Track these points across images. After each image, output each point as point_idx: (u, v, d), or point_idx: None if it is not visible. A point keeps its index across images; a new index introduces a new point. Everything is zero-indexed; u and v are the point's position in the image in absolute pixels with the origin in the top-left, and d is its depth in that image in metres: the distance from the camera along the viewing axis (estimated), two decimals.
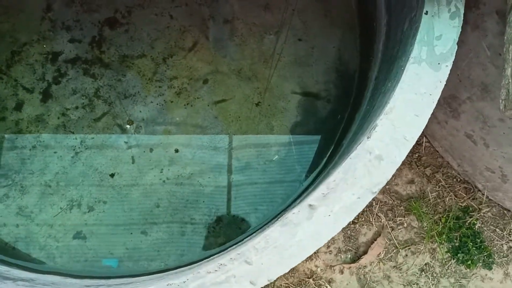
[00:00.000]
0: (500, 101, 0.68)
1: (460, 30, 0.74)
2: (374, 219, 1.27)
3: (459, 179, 1.28)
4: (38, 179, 1.10)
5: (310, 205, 0.67)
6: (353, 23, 1.22)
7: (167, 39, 1.20)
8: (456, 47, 0.73)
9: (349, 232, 1.25)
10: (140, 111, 1.16)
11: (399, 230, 1.26)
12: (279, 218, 0.82)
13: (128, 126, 1.14)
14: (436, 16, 0.74)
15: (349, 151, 0.78)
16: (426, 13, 0.74)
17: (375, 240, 1.24)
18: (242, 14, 1.22)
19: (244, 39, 1.21)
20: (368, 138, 0.69)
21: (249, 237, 0.69)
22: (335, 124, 1.17)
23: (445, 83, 0.72)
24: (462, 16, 0.75)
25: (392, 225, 1.27)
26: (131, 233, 1.10)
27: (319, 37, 1.22)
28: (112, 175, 1.12)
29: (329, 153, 1.14)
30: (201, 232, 1.12)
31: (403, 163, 1.28)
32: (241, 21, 1.22)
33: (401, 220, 1.27)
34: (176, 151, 1.15)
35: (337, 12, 1.23)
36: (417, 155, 1.30)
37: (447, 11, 0.74)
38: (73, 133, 1.14)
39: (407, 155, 1.28)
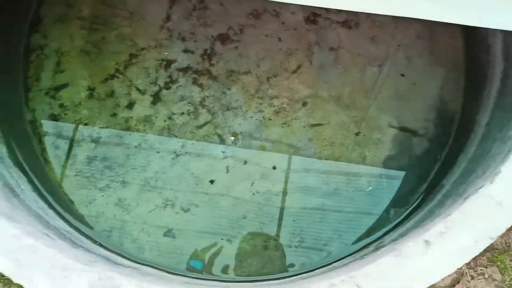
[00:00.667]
0: None
1: None
2: None
3: None
4: (139, 175, 1.17)
5: (426, 241, 0.68)
6: (459, 64, 1.22)
7: (273, 60, 1.25)
8: None
9: None
10: (240, 124, 1.22)
11: (479, 280, 1.23)
12: (379, 248, 0.84)
13: (232, 138, 1.19)
14: None
15: (461, 193, 0.78)
16: None
17: (454, 286, 1.22)
18: (347, 43, 1.26)
19: (346, 68, 1.25)
20: (491, 183, 0.70)
21: (362, 265, 0.71)
22: (430, 163, 1.17)
23: None
24: None
25: (472, 273, 1.24)
26: (217, 239, 1.15)
27: (422, 74, 1.23)
28: (207, 182, 1.17)
29: (422, 191, 1.14)
30: (284, 249, 1.15)
31: None
32: (346, 50, 1.26)
33: (482, 270, 1.24)
34: (269, 167, 1.19)
35: (442, 51, 1.24)
36: None
37: None
38: (176, 136, 1.20)
39: None
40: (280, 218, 1.17)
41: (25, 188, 0.96)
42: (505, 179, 0.70)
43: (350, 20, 1.27)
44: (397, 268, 0.67)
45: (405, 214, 1.11)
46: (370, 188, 1.16)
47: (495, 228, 0.68)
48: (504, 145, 0.77)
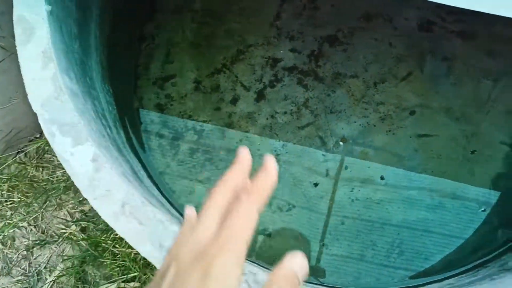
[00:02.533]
0: None
1: None
2: None
3: None
4: None
5: None
6: None
7: (382, 65, 1.23)
8: None
9: None
10: (342, 128, 1.20)
11: None
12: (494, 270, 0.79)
13: (341, 143, 1.17)
14: None
15: None
16: None
17: None
18: (463, 55, 1.21)
19: (460, 79, 1.20)
20: None
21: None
22: None
23: None
24: None
25: None
26: (313, 242, 1.13)
27: None
28: (306, 183, 1.16)
29: None
30: (381, 260, 1.11)
31: None
32: (460, 62, 1.21)
33: None
34: (370, 174, 1.16)
35: None
36: None
37: None
38: (277, 135, 1.19)
39: None
40: (380, 228, 1.13)
41: (143, 174, 0.97)
42: None
43: (468, 30, 1.22)
44: None
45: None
46: (483, 209, 1.11)
47: None
48: None
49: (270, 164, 0.43)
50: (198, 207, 1.10)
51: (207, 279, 0.34)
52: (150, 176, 1.04)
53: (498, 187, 1.13)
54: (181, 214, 1.04)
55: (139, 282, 1.25)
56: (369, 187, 1.16)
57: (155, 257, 0.67)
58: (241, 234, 0.37)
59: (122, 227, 0.67)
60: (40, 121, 0.74)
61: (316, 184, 1.16)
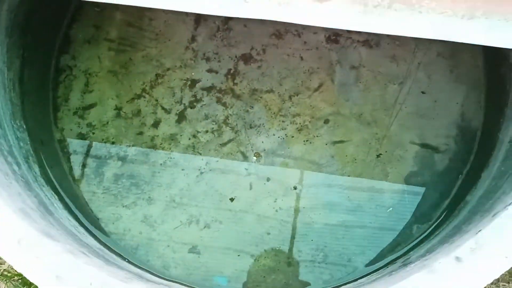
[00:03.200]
0: None
1: None
2: None
3: None
4: (165, 192, 1.20)
5: (457, 258, 0.69)
6: (480, 82, 1.24)
7: (295, 78, 1.28)
8: None
9: None
10: (262, 142, 1.24)
11: None
12: (408, 264, 0.85)
13: (254, 157, 1.21)
14: None
15: (489, 209, 0.79)
16: None
17: None
18: (369, 62, 1.28)
19: (368, 86, 1.27)
20: None
21: (396, 283, 0.72)
22: (452, 179, 1.18)
23: None
24: None
25: None
26: (241, 256, 1.16)
27: (443, 91, 1.25)
28: (231, 199, 1.19)
29: (444, 207, 1.15)
30: (307, 266, 1.16)
31: None
32: (367, 69, 1.28)
33: (504, 285, 1.24)
34: (291, 184, 1.21)
35: (463, 69, 1.26)
36: None
37: None
38: (200, 154, 1.23)
39: None
40: (304, 234, 1.18)
41: (57, 206, 0.99)
42: None
43: (371, 39, 1.29)
44: (430, 284, 0.68)
45: (429, 230, 1.12)
46: (391, 209, 1.17)
47: None
48: None
49: None
50: (125, 234, 1.11)
51: None
52: (68, 207, 1.05)
53: (411, 185, 1.20)
54: (101, 242, 1.06)
55: None
56: (291, 196, 1.20)
57: None
58: None
59: (20, 263, 0.69)
60: None
61: (240, 198, 1.20)
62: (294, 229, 1.18)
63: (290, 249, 1.17)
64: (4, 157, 0.87)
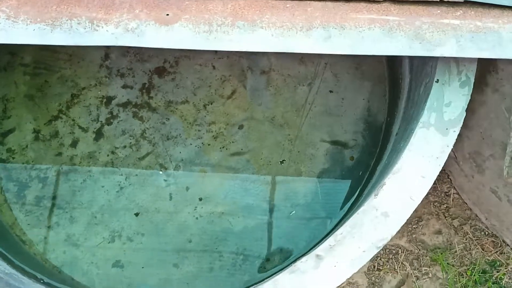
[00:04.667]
0: (504, 167, 0.72)
1: (469, 97, 0.79)
2: (399, 267, 1.29)
3: (487, 233, 1.28)
4: (86, 210, 1.23)
5: (317, 255, 0.73)
6: (383, 77, 1.28)
7: (209, 87, 1.31)
8: (465, 114, 0.78)
9: (373, 278, 1.28)
10: (180, 152, 1.27)
11: (424, 280, 1.28)
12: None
13: (175, 165, 1.25)
14: (447, 84, 0.80)
15: (359, 205, 0.83)
16: (437, 81, 0.80)
17: None
18: (278, 66, 1.32)
19: (278, 89, 1.30)
20: (375, 196, 0.75)
21: (260, 283, 0.76)
22: (360, 173, 1.22)
23: (452, 147, 0.76)
24: (472, 84, 0.80)
25: (417, 274, 1.28)
26: (164, 265, 1.20)
27: (350, 89, 1.29)
28: (152, 210, 1.23)
29: (352, 201, 1.19)
30: (228, 269, 1.19)
31: (431, 213, 1.31)
32: (277, 73, 1.32)
33: (426, 270, 1.29)
34: (210, 190, 1.24)
35: (367, 66, 1.30)
36: (445, 206, 1.32)
37: (457, 80, 0.80)
38: (119, 169, 1.26)
39: (435, 205, 1.30)
40: (224, 239, 1.21)
41: None
42: (387, 191, 0.75)
43: None
44: (292, 283, 0.72)
45: (335, 223, 1.16)
46: (293, 212, 1.21)
47: (381, 238, 0.73)
48: (396, 156, 0.82)
49: None
50: (49, 254, 1.13)
51: None
52: None
53: (323, 182, 1.24)
54: (14, 266, 1.08)
55: None
56: (211, 203, 1.24)
57: None
58: None
59: None
60: None
61: (161, 209, 1.23)
62: (214, 234, 1.22)
63: (211, 254, 1.20)
64: None
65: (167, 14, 0.73)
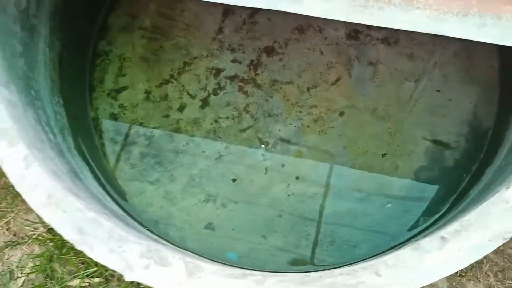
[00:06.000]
0: None
1: None
2: (483, 276, 1.27)
3: None
4: (186, 171, 1.29)
5: (442, 237, 0.74)
6: (494, 83, 1.27)
7: (314, 72, 1.34)
8: None
9: (454, 283, 1.27)
10: (279, 130, 1.31)
11: None
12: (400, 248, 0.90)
13: (274, 142, 1.29)
14: None
15: (482, 199, 0.84)
16: None
17: None
18: (386, 59, 1.33)
19: (384, 82, 1.32)
20: (507, 189, 0.75)
21: (380, 254, 0.78)
22: (460, 174, 1.22)
23: None
24: None
25: (500, 286, 1.26)
26: (253, 235, 1.24)
27: (457, 91, 1.29)
28: (247, 181, 1.27)
29: (450, 202, 1.19)
30: (314, 249, 1.22)
31: None
32: (384, 66, 1.33)
33: (510, 283, 1.26)
34: (304, 171, 1.27)
35: (478, 69, 1.29)
36: None
37: None
38: (220, 138, 1.31)
39: None
40: (313, 220, 1.24)
41: (87, 175, 1.09)
42: None
43: (390, 37, 1.34)
44: (414, 258, 0.74)
45: (430, 222, 1.16)
46: (389, 205, 1.22)
47: (508, 230, 0.73)
48: None
49: None
50: (147, 207, 1.20)
51: None
52: (96, 177, 1.16)
53: (420, 179, 1.24)
54: (124, 210, 1.15)
55: (103, 278, 1.36)
56: (304, 183, 1.27)
57: (75, 240, 0.78)
58: None
59: (48, 215, 0.79)
60: None
61: (256, 182, 1.27)
62: (304, 214, 1.25)
63: (299, 232, 1.23)
64: (42, 126, 0.97)
65: None
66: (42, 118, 1.00)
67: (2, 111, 0.84)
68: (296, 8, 0.77)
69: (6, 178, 1.49)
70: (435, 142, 1.26)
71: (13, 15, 1.00)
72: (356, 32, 1.36)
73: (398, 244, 1.16)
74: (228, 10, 1.41)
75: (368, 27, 1.36)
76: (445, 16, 0.74)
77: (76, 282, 1.36)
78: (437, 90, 1.29)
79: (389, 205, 1.22)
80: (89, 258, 1.35)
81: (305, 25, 1.37)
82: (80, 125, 1.25)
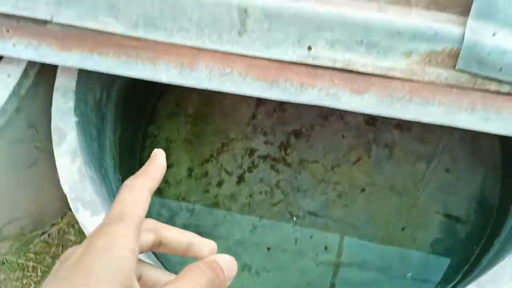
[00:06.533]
0: None
1: None
2: None
3: None
4: (224, 241, 1.42)
5: None
6: (497, 165, 1.44)
7: (337, 152, 1.53)
8: None
9: None
10: (307, 204, 1.47)
11: None
12: None
13: (302, 215, 1.44)
14: None
15: (493, 264, 0.98)
16: None
17: None
18: (400, 142, 1.52)
19: (399, 162, 1.49)
20: None
21: None
22: (471, 246, 1.35)
23: None
24: None
25: None
26: None
27: (465, 171, 1.46)
28: (278, 250, 1.40)
29: (464, 270, 1.31)
30: None
31: None
32: (399, 148, 1.51)
33: None
34: (331, 241, 1.41)
35: (483, 153, 1.47)
36: None
37: None
38: (255, 211, 1.46)
39: None
40: (341, 286, 1.36)
41: None
42: None
43: (403, 124, 1.54)
44: None
45: None
46: (410, 275, 1.34)
47: None
48: None
49: (157, 153, 0.46)
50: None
51: (90, 246, 0.32)
52: None
53: (435, 250, 1.37)
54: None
55: None
56: (331, 253, 1.40)
57: None
58: (131, 208, 0.36)
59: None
60: (68, 199, 1.03)
61: (287, 251, 1.41)
62: (332, 282, 1.36)
63: None
64: (111, 200, 1.14)
65: (359, 86, 0.96)
66: (111, 192, 1.16)
67: (88, 186, 1.01)
68: (337, 104, 0.97)
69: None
70: (448, 216, 1.41)
71: (91, 105, 1.21)
72: (373, 119, 1.56)
73: None
74: (261, 100, 1.63)
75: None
76: (456, 111, 0.93)
77: None
78: (447, 170, 1.47)
79: (409, 274, 1.34)
80: None
81: (328, 112, 1.58)
82: None
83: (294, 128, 1.58)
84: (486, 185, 1.43)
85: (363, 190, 1.47)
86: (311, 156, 1.53)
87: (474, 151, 1.48)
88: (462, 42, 0.92)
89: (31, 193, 1.48)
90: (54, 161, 1.08)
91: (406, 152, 1.51)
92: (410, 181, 1.47)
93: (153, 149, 0.48)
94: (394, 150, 1.52)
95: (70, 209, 1.06)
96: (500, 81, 0.94)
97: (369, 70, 0.98)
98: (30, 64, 1.15)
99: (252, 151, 1.56)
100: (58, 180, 1.07)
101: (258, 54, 1.01)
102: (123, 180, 1.32)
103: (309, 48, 0.99)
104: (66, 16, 1.05)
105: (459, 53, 0.93)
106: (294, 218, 1.45)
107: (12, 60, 1.14)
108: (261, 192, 1.49)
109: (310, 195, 1.48)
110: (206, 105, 1.63)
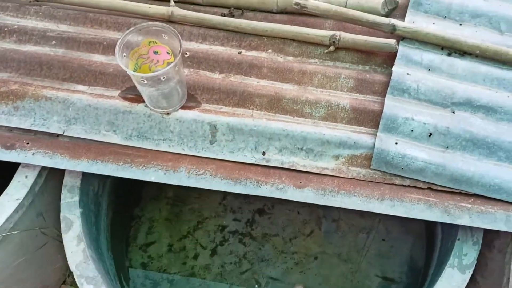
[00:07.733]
0: None
1: (479, 252, 1.27)
2: None
3: None
4: None
5: None
6: (422, 234, 1.77)
7: (294, 226, 1.83)
8: (475, 262, 1.25)
9: None
10: (270, 271, 1.74)
11: None
12: None
13: (266, 281, 1.71)
14: (465, 242, 1.29)
15: None
16: (459, 239, 1.29)
17: None
18: (345, 217, 1.84)
19: (345, 234, 1.81)
20: None
21: None
22: None
23: (467, 281, 1.22)
24: (480, 244, 1.28)
25: None
26: None
27: (397, 240, 1.78)
28: None
29: None
30: None
31: None
32: (344, 221, 1.83)
33: None
34: None
35: (411, 224, 1.80)
36: None
37: (471, 240, 1.29)
38: (226, 279, 1.73)
39: None
40: None
41: None
42: None
43: None
44: None
45: None
46: None
47: None
48: (433, 285, 1.27)
49: None
50: None
51: None
52: None
53: None
54: None
55: None
56: None
57: None
58: None
59: None
60: (74, 276, 1.29)
61: None
62: None
63: None
64: (108, 274, 1.40)
65: (300, 182, 1.29)
66: (106, 269, 1.42)
67: (90, 265, 1.28)
68: (283, 195, 1.29)
69: None
70: (385, 278, 1.71)
71: (91, 197, 1.49)
72: None
73: None
74: None
75: None
76: (370, 200, 1.26)
77: None
78: (383, 239, 1.79)
79: None
80: None
81: None
82: (123, 273, 1.66)
83: (258, 207, 1.89)
84: (414, 251, 1.75)
85: (316, 258, 1.77)
86: (272, 230, 1.83)
87: (404, 223, 1.81)
88: (374, 148, 1.28)
89: (36, 270, 1.70)
90: (57, 243, 1.34)
91: (350, 225, 1.83)
92: (353, 249, 1.78)
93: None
94: (340, 223, 1.83)
95: (65, 282, 1.31)
96: (402, 177, 1.29)
97: (308, 169, 1.31)
98: (44, 166, 1.44)
99: (223, 227, 1.85)
100: (60, 259, 1.33)
101: (225, 158, 1.34)
102: (114, 258, 1.58)
103: (263, 153, 1.33)
104: (75, 131, 1.36)
105: (371, 156, 1.29)
106: (259, 284, 1.72)
107: (28, 164, 1.43)
108: (231, 263, 1.77)
109: (272, 264, 1.76)
110: (183, 188, 1.93)
